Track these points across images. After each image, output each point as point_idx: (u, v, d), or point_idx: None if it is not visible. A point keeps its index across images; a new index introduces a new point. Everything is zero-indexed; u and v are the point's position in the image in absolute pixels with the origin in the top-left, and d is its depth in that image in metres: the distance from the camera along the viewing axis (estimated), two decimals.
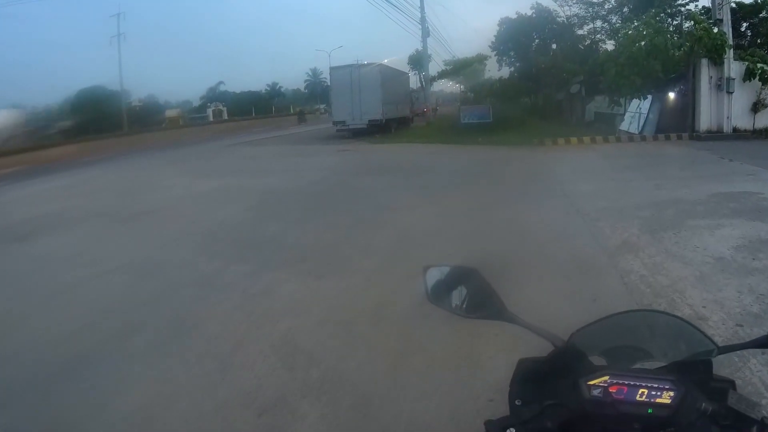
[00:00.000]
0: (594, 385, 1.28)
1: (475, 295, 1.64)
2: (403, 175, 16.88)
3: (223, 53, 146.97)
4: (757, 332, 1.86)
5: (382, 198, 12.59)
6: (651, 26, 24.72)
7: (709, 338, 1.49)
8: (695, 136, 23.09)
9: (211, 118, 71.46)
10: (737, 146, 19.70)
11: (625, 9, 32.44)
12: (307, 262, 7.91)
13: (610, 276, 6.74)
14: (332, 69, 35.31)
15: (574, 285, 6.44)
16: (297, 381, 4.48)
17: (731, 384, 1.33)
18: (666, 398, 1.23)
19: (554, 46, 37.35)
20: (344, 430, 3.88)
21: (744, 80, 23.53)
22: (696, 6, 30.70)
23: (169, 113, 70.65)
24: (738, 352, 1.55)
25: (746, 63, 23.85)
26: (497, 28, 40.30)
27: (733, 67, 23.43)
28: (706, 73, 23.50)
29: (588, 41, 35.79)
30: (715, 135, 22.98)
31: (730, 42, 23.61)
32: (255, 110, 78.26)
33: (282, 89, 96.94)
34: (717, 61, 23.28)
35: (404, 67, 50.08)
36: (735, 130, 23.40)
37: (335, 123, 33.65)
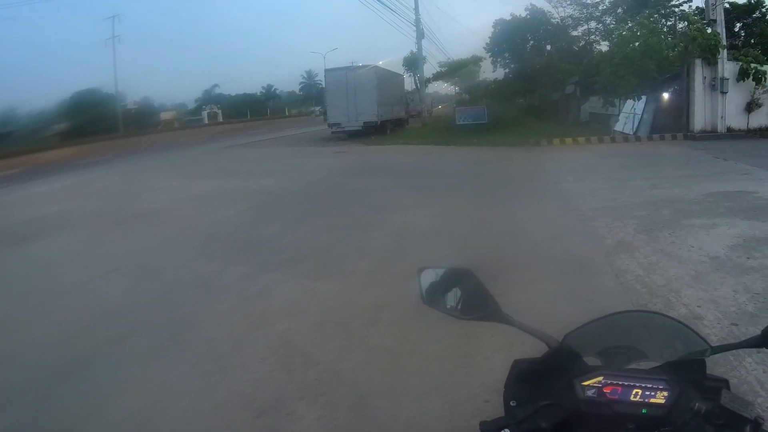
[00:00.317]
0: (588, 385, 1.29)
1: (469, 297, 1.65)
2: (399, 176, 16.89)
3: (218, 56, 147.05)
4: (752, 331, 1.87)
5: (378, 199, 12.59)
6: (645, 27, 24.79)
7: (703, 338, 1.50)
8: (690, 135, 23.14)
9: (206, 121, 71.48)
10: (731, 146, 19.74)
11: (620, 10, 32.48)
12: (304, 264, 7.90)
13: (606, 276, 6.75)
14: (327, 71, 35.30)
15: (570, 285, 6.45)
16: (295, 382, 4.48)
17: (725, 383, 1.34)
18: (660, 398, 1.24)
19: (549, 47, 37.40)
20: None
21: (738, 80, 23.60)
22: (690, 6, 30.82)
23: (165, 115, 70.74)
24: (733, 351, 1.55)
25: (740, 63, 23.93)
26: (492, 29, 40.37)
27: (727, 67, 23.51)
28: (700, 73, 23.56)
29: (582, 42, 35.83)
30: (710, 135, 23.04)
31: (724, 42, 23.69)
32: (250, 112, 78.29)
33: (277, 91, 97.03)
34: (711, 61, 23.35)
35: (399, 69, 49.97)
36: (729, 129, 23.47)
37: (330, 125, 33.55)
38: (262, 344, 5.25)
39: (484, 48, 41.65)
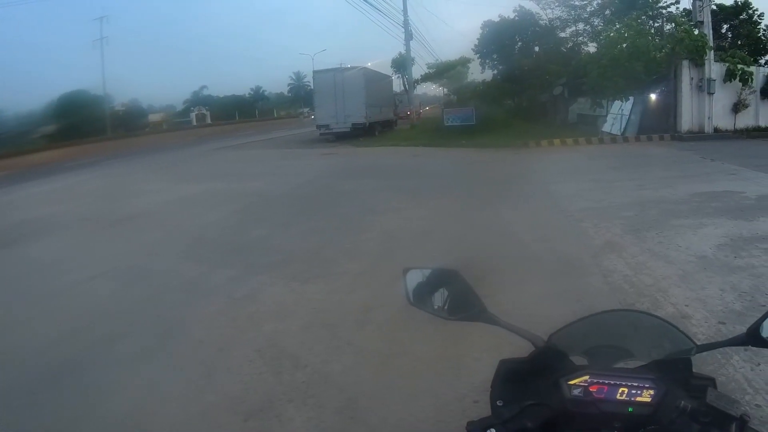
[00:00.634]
0: (574, 384, 1.29)
1: (455, 297, 1.65)
2: (388, 177, 16.88)
3: (207, 57, 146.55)
4: (739, 329, 1.92)
5: (367, 201, 12.57)
6: (633, 28, 24.91)
7: (688, 337, 1.50)
8: (677, 136, 23.28)
9: (194, 122, 71.24)
10: (718, 146, 19.86)
11: (607, 11, 32.60)
12: (293, 266, 7.88)
13: (594, 276, 6.76)
14: (316, 72, 35.20)
15: (559, 285, 6.45)
16: (283, 385, 4.46)
17: (711, 381, 1.35)
18: (646, 397, 1.24)
19: (537, 48, 37.49)
20: None
21: (725, 81, 23.81)
22: (677, 8, 30.99)
23: (153, 117, 70.45)
24: (721, 349, 1.56)
25: (727, 64, 24.14)
26: (480, 31, 40.41)
27: (714, 68, 23.68)
28: (687, 75, 23.72)
29: (570, 43, 35.91)
30: (697, 135, 23.19)
31: (711, 43, 23.87)
32: (239, 114, 78.11)
33: (266, 93, 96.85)
34: (698, 62, 23.53)
35: (388, 71, 50.02)
36: (716, 130, 23.63)
37: (319, 126, 33.47)
38: (251, 347, 5.22)
39: (472, 49, 41.69)
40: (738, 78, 23.73)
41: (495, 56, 39.24)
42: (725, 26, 34.09)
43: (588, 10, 34.25)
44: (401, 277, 1.71)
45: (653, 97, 25.31)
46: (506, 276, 6.80)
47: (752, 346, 1.43)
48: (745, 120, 24.25)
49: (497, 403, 1.39)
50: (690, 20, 25.02)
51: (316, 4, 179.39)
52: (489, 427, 1.25)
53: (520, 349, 1.57)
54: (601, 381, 1.28)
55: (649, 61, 23.88)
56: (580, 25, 35.64)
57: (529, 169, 17.20)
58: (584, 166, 17.53)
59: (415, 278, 1.71)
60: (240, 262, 8.23)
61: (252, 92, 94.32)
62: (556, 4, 35.37)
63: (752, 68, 25.17)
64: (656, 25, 30.36)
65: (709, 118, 23.63)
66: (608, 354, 1.50)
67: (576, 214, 10.07)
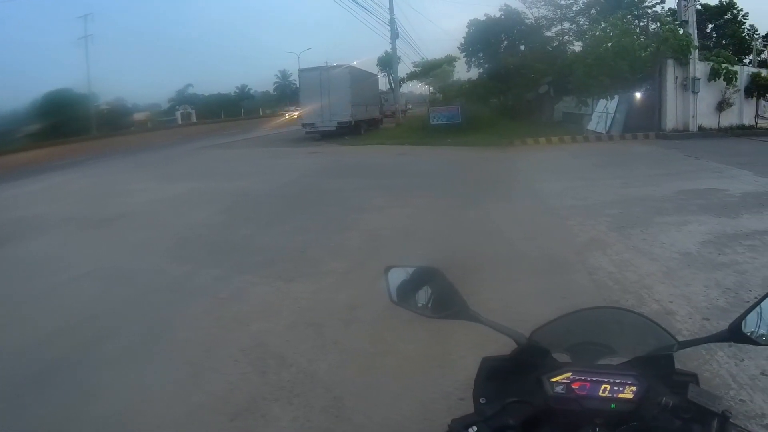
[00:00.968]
0: (557, 381, 1.29)
1: (438, 295, 1.65)
2: (373, 176, 16.85)
3: (192, 56, 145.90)
4: (723, 325, 1.92)
5: (352, 200, 12.55)
6: (618, 28, 25.08)
7: (670, 334, 1.50)
8: (662, 134, 23.45)
9: (179, 121, 70.93)
10: (703, 144, 20.02)
11: (593, 11, 32.71)
12: (278, 265, 7.84)
13: (579, 273, 6.79)
14: (301, 71, 35.13)
15: (544, 283, 6.47)
16: (269, 384, 4.44)
17: (694, 378, 1.36)
18: (628, 393, 1.25)
19: (523, 47, 37.54)
20: None
21: (709, 80, 24.03)
22: (662, 8, 31.16)
23: (138, 116, 70.04)
24: (705, 345, 1.57)
25: (711, 63, 24.39)
26: (466, 29, 40.41)
27: (699, 68, 23.90)
28: (672, 74, 23.90)
29: (556, 42, 35.97)
30: (681, 134, 23.38)
31: (696, 43, 24.08)
32: (224, 113, 77.86)
33: (251, 91, 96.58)
34: (683, 61, 23.73)
35: (374, 69, 50.02)
36: (700, 128, 23.83)
37: (304, 125, 33.39)
38: (236, 346, 5.19)
39: (458, 48, 41.72)
40: (722, 77, 23.96)
41: (481, 55, 39.24)
42: (710, 26, 34.40)
43: (574, 9, 34.35)
44: (383, 275, 1.70)
45: (638, 95, 25.50)
46: (492, 274, 6.82)
47: (734, 342, 1.44)
48: (729, 118, 24.49)
49: (480, 400, 1.39)
50: (675, 20, 25.22)
51: (302, 2, 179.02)
52: (472, 425, 1.25)
53: (504, 346, 1.56)
54: (583, 378, 1.29)
55: (634, 60, 24.04)
56: (566, 24, 35.75)
57: (515, 168, 17.27)
58: (569, 164, 17.61)
59: (397, 277, 1.70)
60: (225, 261, 8.18)
61: (237, 91, 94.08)
62: (542, 3, 35.47)
63: (736, 67, 25.43)
64: (641, 24, 30.52)
65: (693, 116, 23.81)
66: (590, 351, 1.51)
67: (561, 212, 10.10)
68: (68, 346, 5.46)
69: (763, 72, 26.08)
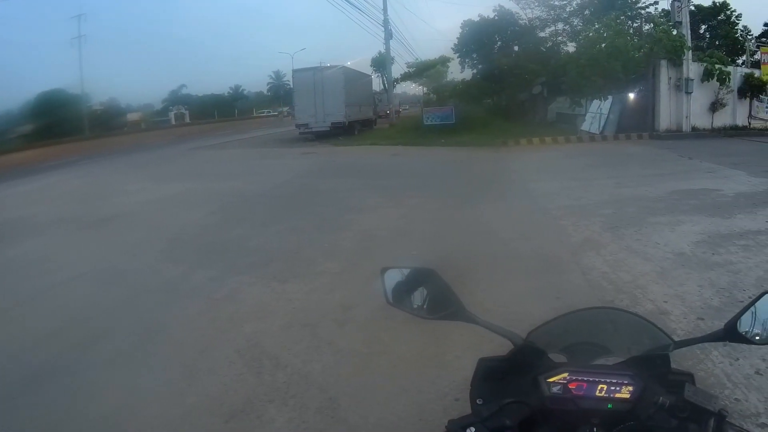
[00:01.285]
0: (553, 381, 1.30)
1: (434, 296, 1.65)
2: (367, 177, 16.85)
3: (186, 56, 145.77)
4: (718, 325, 1.92)
5: (346, 200, 12.54)
6: (612, 28, 25.11)
7: (666, 333, 1.51)
8: (655, 135, 23.52)
9: (173, 122, 70.89)
10: (696, 145, 20.09)
11: (587, 11, 32.80)
12: (272, 266, 7.82)
13: (573, 273, 6.79)
14: (295, 71, 35.04)
15: (538, 283, 6.47)
16: (264, 385, 4.42)
17: (690, 377, 1.36)
18: (625, 393, 1.25)
19: (516, 48, 37.60)
20: None
21: (702, 81, 24.11)
22: (656, 9, 31.26)
23: (131, 117, 70.01)
24: (699, 345, 1.57)
25: (704, 64, 24.48)
26: (460, 30, 40.44)
27: (692, 68, 23.97)
28: (665, 74, 23.97)
29: (550, 43, 36.06)
30: (675, 134, 23.46)
31: (689, 44, 24.15)
32: (218, 113, 77.83)
33: (245, 92, 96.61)
34: (676, 62, 23.80)
35: (367, 70, 49.96)
36: (694, 129, 23.91)
37: (298, 126, 33.35)
38: (231, 348, 5.17)
39: (452, 48, 41.75)
40: (715, 78, 24.05)
41: (474, 56, 39.30)
42: (703, 27, 34.51)
43: (567, 10, 34.45)
44: (379, 276, 1.70)
45: (632, 96, 25.55)
46: (486, 274, 6.82)
47: (730, 341, 1.45)
48: (722, 119, 24.59)
49: (477, 401, 1.39)
50: (668, 21, 25.30)
51: (296, 3, 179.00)
52: (469, 426, 1.25)
53: (499, 347, 1.56)
54: (579, 378, 1.29)
55: (627, 60, 24.08)
56: (560, 25, 35.84)
57: (509, 168, 17.28)
58: (563, 164, 17.64)
59: (393, 278, 1.70)
60: (219, 262, 8.16)
61: (231, 91, 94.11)
62: (536, 4, 35.55)
63: (729, 68, 25.54)
64: (635, 25, 30.67)
65: (687, 117, 23.89)
66: (587, 351, 1.51)
67: (555, 212, 10.11)
68: (62, 348, 5.43)
69: (756, 73, 26.14)
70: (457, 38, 40.50)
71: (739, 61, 34.85)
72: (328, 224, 10.21)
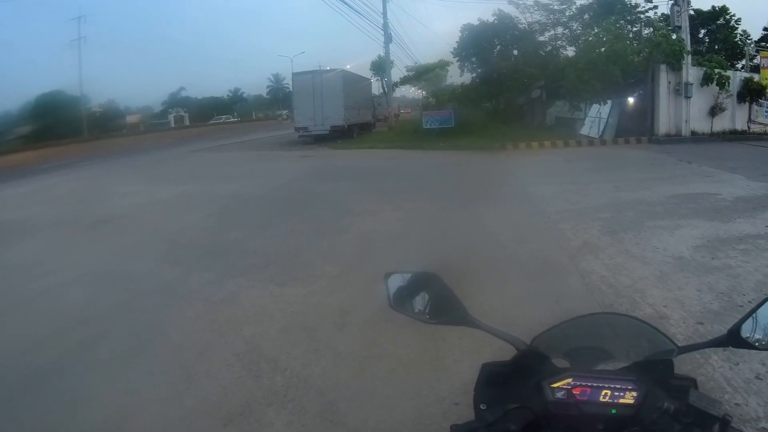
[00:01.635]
0: (557, 387, 1.29)
1: (436, 301, 1.64)
2: (366, 180, 16.85)
3: (185, 58, 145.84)
4: (717, 329, 1.87)
5: (344, 203, 12.53)
6: (611, 33, 25.19)
7: (669, 338, 1.52)
8: (654, 139, 23.58)
9: (172, 124, 70.89)
10: (695, 149, 20.16)
11: (586, 16, 32.87)
12: (270, 269, 7.81)
13: (572, 277, 6.77)
14: (294, 75, 35.07)
15: (537, 287, 6.47)
16: (262, 389, 4.40)
17: (692, 382, 1.36)
18: (629, 398, 1.24)
19: (515, 52, 37.64)
20: None
21: (702, 85, 24.18)
22: (655, 13, 31.36)
23: (130, 119, 70.09)
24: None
25: (704, 68, 24.58)
26: (459, 34, 40.49)
27: (691, 72, 24.06)
28: (664, 78, 24.04)
29: (549, 47, 36.12)
30: (674, 138, 23.53)
31: (689, 48, 24.22)
32: (217, 116, 77.87)
33: (244, 95, 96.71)
34: (675, 66, 23.88)
35: (367, 73, 50.11)
36: (693, 133, 23.99)
37: (297, 129, 33.41)
38: (229, 351, 5.15)
39: (451, 52, 41.82)
40: (715, 82, 24.13)
41: (474, 59, 39.35)
42: (702, 31, 34.59)
43: (567, 14, 34.51)
44: (383, 281, 1.70)
45: (631, 100, 25.63)
46: (485, 277, 6.79)
47: (733, 347, 1.44)
48: (721, 123, 24.66)
49: (480, 406, 1.38)
50: (668, 25, 25.38)
51: (295, 6, 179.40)
52: (473, 431, 1.25)
53: (499, 351, 1.56)
54: (583, 383, 1.28)
55: (626, 64, 24.13)
56: (559, 29, 35.91)
57: (507, 172, 17.30)
58: (562, 168, 17.65)
59: (396, 282, 1.70)
60: (218, 264, 8.14)
61: (230, 94, 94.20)
62: (536, 8, 35.60)
63: (729, 72, 25.61)
64: (634, 29, 30.70)
65: (686, 121, 23.96)
66: (590, 356, 1.51)
67: (554, 216, 10.11)
68: (61, 350, 5.41)
69: (756, 77, 26.22)
70: (457, 42, 40.59)
71: (739, 66, 34.98)
72: (327, 227, 10.20)
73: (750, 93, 25.31)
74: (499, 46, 38.43)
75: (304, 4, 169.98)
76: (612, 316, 1.73)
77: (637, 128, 24.30)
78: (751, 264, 6.83)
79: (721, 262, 6.93)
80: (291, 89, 37.65)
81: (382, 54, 45.19)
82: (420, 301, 1.67)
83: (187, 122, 72.92)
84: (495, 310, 5.38)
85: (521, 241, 8.59)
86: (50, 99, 53.54)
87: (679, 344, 1.49)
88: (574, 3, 33.88)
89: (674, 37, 24.00)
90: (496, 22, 37.46)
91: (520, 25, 37.14)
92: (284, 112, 71.28)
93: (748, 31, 41.68)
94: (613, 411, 1.23)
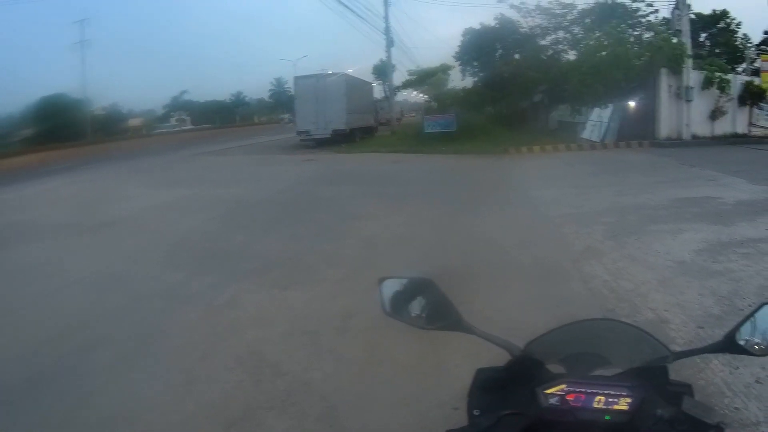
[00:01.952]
0: (551, 393, 1.29)
1: (431, 306, 1.64)
2: (368, 184, 16.85)
3: (188, 62, 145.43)
4: (718, 333, 1.87)
5: (346, 207, 12.54)
6: (612, 37, 25.19)
7: (664, 345, 1.51)
8: (656, 143, 23.53)
9: (174, 128, 70.85)
10: (697, 153, 20.08)
11: (588, 20, 32.81)
12: (273, 273, 7.81)
13: (575, 281, 6.77)
14: (296, 78, 35.02)
15: (539, 291, 6.46)
16: (263, 393, 4.41)
17: (688, 388, 1.37)
18: (623, 405, 1.25)
19: (517, 56, 37.57)
20: None
21: (702, 88, 24.12)
22: (656, 17, 31.31)
23: (133, 122, 70.00)
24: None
25: (705, 72, 24.52)
26: (461, 38, 40.43)
27: (692, 76, 24.01)
28: (665, 82, 24.01)
29: (551, 51, 36.02)
30: (675, 142, 23.48)
31: (689, 52, 24.20)
32: (219, 119, 77.81)
33: (246, 98, 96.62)
34: (676, 70, 23.84)
35: (369, 77, 50.10)
36: (694, 137, 23.92)
37: (299, 133, 33.32)
38: (231, 355, 5.16)
39: (453, 57, 41.80)
40: (716, 86, 24.08)
41: (476, 63, 39.30)
42: (703, 35, 34.55)
43: (568, 18, 34.44)
44: (377, 287, 1.70)
45: (632, 104, 25.60)
46: (487, 282, 6.79)
47: (729, 352, 1.45)
48: (722, 127, 24.60)
49: (474, 412, 1.40)
50: (669, 29, 25.34)
51: (298, 10, 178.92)
52: None
53: (498, 356, 1.56)
54: (577, 389, 1.29)
55: (628, 69, 24.14)
56: (561, 34, 35.83)
57: (509, 176, 17.30)
58: (564, 172, 17.64)
59: (390, 288, 1.70)
60: (220, 268, 8.15)
61: (233, 98, 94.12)
62: (537, 12, 35.53)
63: (729, 76, 25.56)
64: (635, 33, 30.64)
65: (687, 125, 23.92)
66: (585, 362, 1.51)
67: (556, 220, 10.11)
68: (62, 353, 5.42)
69: (756, 80, 26.18)
70: (459, 46, 40.57)
71: (739, 69, 34.92)
72: (329, 231, 10.21)
73: (751, 96, 25.25)
74: (500, 51, 38.38)
75: (308, 8, 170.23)
76: (607, 322, 1.74)
77: (639, 132, 24.26)
78: (753, 268, 6.83)
79: (722, 266, 6.92)
80: (293, 93, 37.58)
81: (385, 58, 45.23)
82: (415, 307, 1.66)
83: (189, 126, 72.88)
84: (497, 314, 5.37)
85: (523, 246, 8.58)
86: (53, 102, 53.28)
87: (678, 349, 1.49)
88: (576, 7, 33.85)
89: (675, 41, 24.00)
90: (497, 26, 37.41)
91: (522, 30, 37.08)
92: (287, 115, 71.18)
93: (748, 34, 41.82)
94: (608, 417, 1.24)
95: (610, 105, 25.54)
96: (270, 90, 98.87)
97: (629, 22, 31.14)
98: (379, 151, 27.90)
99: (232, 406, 4.24)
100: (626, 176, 15.54)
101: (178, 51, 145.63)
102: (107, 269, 8.54)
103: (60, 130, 48.34)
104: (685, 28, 24.51)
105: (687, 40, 24.40)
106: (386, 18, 40.87)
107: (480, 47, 37.90)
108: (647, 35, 27.65)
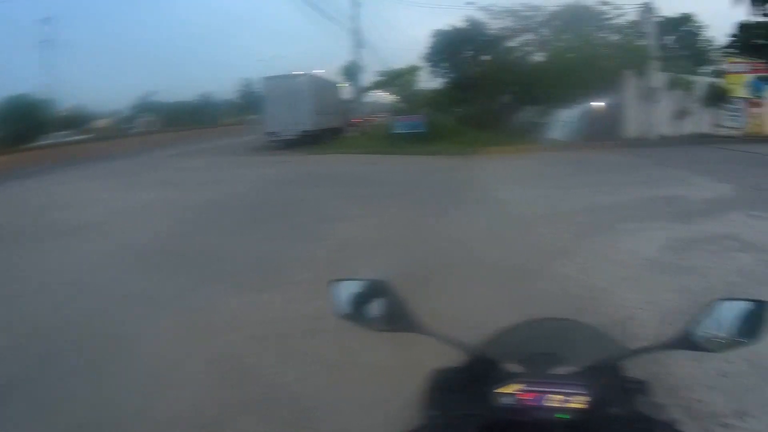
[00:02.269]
0: (506, 392, 1.28)
1: (386, 308, 1.63)
2: (337, 185, 16.79)
3: (155, 62, 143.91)
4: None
5: (317, 209, 12.49)
6: (580, 38, 25.41)
7: (621, 343, 1.54)
8: (622, 143, 23.80)
9: (142, 129, 70.07)
10: (663, 152, 20.41)
11: (556, 22, 33.11)
12: (246, 276, 7.74)
13: (547, 281, 6.82)
14: (264, 79, 34.80)
15: (511, 291, 6.47)
16: (236, 397, 4.38)
17: (644, 385, 1.39)
18: (578, 403, 1.24)
19: (486, 57, 37.73)
20: None
21: (668, 89, 24.44)
22: (623, 20, 31.73)
23: (98, 123, 69.05)
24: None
25: (670, 73, 24.82)
26: (431, 39, 40.54)
27: (658, 78, 24.31)
28: (632, 83, 24.32)
29: (520, 53, 36.29)
30: (642, 142, 23.84)
31: (655, 54, 24.50)
32: (187, 120, 77.12)
33: (215, 99, 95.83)
34: (643, 71, 24.12)
35: (338, 78, 50.05)
36: (661, 136, 24.28)
37: (267, 134, 33.11)
38: (203, 359, 5.11)
39: (422, 58, 41.92)
40: (681, 87, 24.46)
41: (445, 65, 39.42)
42: (669, 37, 34.99)
43: (537, 20, 34.72)
44: (328, 289, 1.70)
45: (600, 105, 25.86)
46: (458, 283, 6.82)
47: (685, 349, 1.44)
48: (688, 127, 25.01)
49: (427, 413, 1.40)
50: (635, 31, 25.70)
51: (268, 10, 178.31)
52: None
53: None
54: (533, 388, 1.28)
55: (595, 70, 24.39)
56: (529, 35, 36.11)
57: (480, 177, 17.36)
58: (534, 172, 17.79)
59: (343, 290, 1.69)
60: (191, 272, 8.04)
61: (201, 98, 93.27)
62: (506, 14, 35.76)
63: (695, 77, 25.99)
64: (603, 35, 31.00)
65: (653, 125, 24.26)
66: (542, 361, 1.48)
67: (527, 220, 10.18)
68: (27, 361, 5.30)
69: (720, 82, 26.69)
70: (428, 48, 40.67)
71: (704, 71, 35.50)
72: (301, 233, 10.15)
73: (715, 97, 25.75)
74: (470, 52, 38.56)
75: (278, 9, 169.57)
76: (564, 321, 1.74)
77: (605, 132, 24.54)
78: (718, 263, 7.02)
79: (691, 263, 7.08)
80: (262, 93, 37.35)
81: (354, 59, 45.24)
82: (369, 309, 1.65)
83: (156, 127, 72.11)
84: (468, 315, 5.37)
85: (495, 246, 8.63)
86: (13, 103, 52.28)
87: (640, 345, 1.50)
88: (544, 10, 34.13)
89: (641, 43, 24.37)
90: (467, 28, 37.59)
91: (491, 31, 37.29)
92: (254, 117, 70.79)
93: (713, 37, 42.62)
94: (563, 416, 1.23)
95: (578, 106, 25.78)
96: (239, 90, 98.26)
97: (597, 24, 31.55)
98: (348, 152, 27.86)
99: (205, 411, 4.19)
100: (595, 176, 15.71)
101: (144, 51, 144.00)
102: (77, 274, 8.38)
103: (22, 132, 47.47)
104: (652, 30, 24.89)
105: (653, 42, 24.79)
106: (355, 19, 40.91)
107: (450, 49, 38.03)
108: (614, 37, 28.02)
